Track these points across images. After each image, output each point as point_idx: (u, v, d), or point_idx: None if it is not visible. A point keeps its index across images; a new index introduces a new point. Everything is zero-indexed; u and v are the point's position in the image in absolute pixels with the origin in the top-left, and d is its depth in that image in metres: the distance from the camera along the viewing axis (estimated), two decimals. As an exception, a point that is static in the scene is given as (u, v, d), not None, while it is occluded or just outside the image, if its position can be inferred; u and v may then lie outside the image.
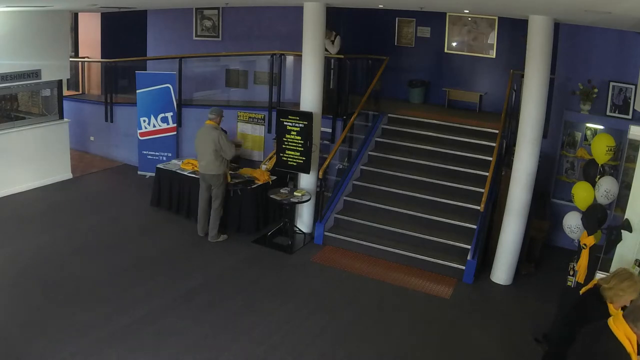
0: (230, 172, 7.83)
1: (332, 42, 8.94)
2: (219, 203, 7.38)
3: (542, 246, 7.34)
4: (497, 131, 7.93)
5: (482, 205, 6.88)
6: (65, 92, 9.90)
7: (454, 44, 10.30)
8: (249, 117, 9.60)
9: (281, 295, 6.23)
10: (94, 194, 9.05)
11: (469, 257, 6.77)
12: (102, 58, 11.99)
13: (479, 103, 9.99)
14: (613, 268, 4.80)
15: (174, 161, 8.80)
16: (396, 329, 5.65)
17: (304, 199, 7.52)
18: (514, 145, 6.86)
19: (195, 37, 10.97)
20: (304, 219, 7.92)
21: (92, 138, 10.90)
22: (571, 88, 7.65)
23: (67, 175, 9.48)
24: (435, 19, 10.12)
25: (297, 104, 8.00)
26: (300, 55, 7.62)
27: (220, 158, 7.22)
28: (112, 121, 10.62)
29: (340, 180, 8.20)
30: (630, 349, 3.02)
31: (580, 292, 3.99)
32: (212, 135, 7.15)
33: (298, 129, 7.43)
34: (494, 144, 7.74)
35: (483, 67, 10.12)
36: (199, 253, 7.14)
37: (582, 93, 7.51)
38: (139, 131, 9.80)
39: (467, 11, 8.97)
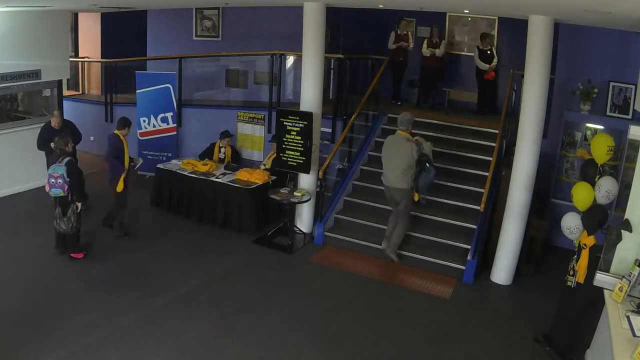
0: (228, 171, 7.84)
1: None
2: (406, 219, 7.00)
3: (542, 246, 7.34)
4: (497, 131, 7.93)
5: (482, 205, 6.88)
6: (65, 92, 9.91)
7: (454, 44, 10.29)
8: (249, 117, 9.60)
9: (281, 295, 6.23)
10: (94, 194, 9.02)
11: (469, 257, 6.77)
12: (102, 58, 12.00)
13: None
14: (613, 268, 4.80)
15: (174, 161, 8.81)
16: (396, 329, 5.65)
17: (304, 199, 7.52)
18: (514, 145, 6.85)
19: (195, 37, 10.96)
20: (304, 219, 7.92)
21: (92, 138, 10.88)
22: (571, 88, 7.65)
23: (67, 175, 9.48)
24: (435, 19, 10.11)
25: (297, 104, 8.00)
26: (300, 55, 7.63)
27: (408, 171, 6.72)
28: (112, 121, 10.61)
29: (340, 180, 8.20)
30: None
31: None
32: (405, 148, 6.70)
33: (298, 129, 7.43)
34: (494, 144, 7.74)
35: (483, 67, 10.10)
36: (199, 253, 7.14)
37: (582, 93, 7.51)
38: (138, 131, 9.80)
39: (467, 11, 8.97)
